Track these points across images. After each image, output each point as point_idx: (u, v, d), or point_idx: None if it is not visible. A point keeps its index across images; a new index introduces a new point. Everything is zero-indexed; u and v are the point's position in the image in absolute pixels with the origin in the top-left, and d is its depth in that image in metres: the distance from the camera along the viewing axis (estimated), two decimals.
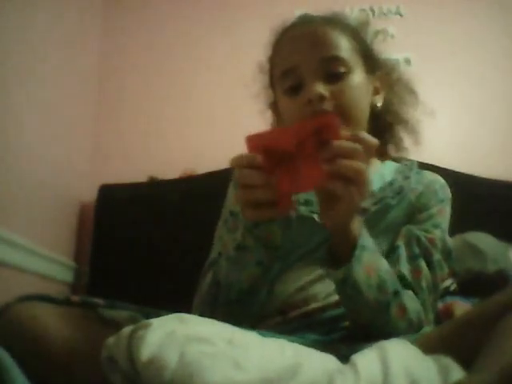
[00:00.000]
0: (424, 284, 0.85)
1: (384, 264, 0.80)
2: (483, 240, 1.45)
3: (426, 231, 0.88)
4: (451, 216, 0.94)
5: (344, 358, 0.66)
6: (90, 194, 1.90)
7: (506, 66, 1.97)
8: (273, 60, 0.99)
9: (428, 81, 1.90)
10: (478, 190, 1.70)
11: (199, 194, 1.75)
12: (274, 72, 0.98)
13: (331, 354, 0.72)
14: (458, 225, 1.45)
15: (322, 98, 0.87)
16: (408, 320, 0.81)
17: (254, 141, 0.71)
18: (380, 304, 0.78)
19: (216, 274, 0.87)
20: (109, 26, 2.14)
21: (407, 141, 1.05)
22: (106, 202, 1.88)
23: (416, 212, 0.91)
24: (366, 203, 0.88)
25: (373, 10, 2.06)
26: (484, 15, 2.02)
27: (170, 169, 1.90)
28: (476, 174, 1.76)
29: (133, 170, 1.94)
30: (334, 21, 0.96)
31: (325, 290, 0.85)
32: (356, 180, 0.67)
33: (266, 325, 0.85)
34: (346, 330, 0.83)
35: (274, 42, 0.98)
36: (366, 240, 0.77)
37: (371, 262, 0.77)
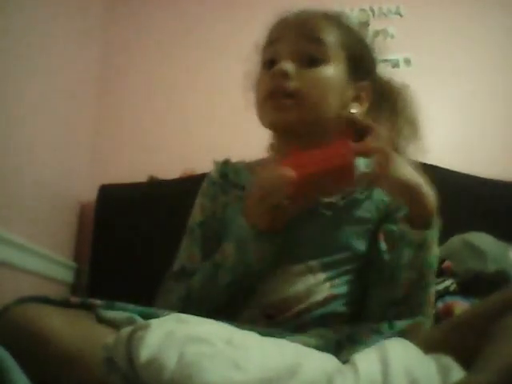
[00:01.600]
0: None
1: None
2: (483, 240, 1.45)
3: None
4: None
5: (349, 340, 0.67)
6: (89, 194, 1.90)
7: (506, 66, 1.97)
8: (264, 40, 0.98)
9: (428, 81, 1.91)
10: (478, 191, 1.70)
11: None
12: (262, 49, 0.98)
13: (334, 334, 0.73)
14: (459, 225, 1.45)
15: (284, 75, 0.87)
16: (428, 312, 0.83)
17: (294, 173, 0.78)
18: (426, 278, 0.81)
19: (189, 288, 0.87)
20: (109, 28, 2.14)
21: None
22: (106, 202, 1.87)
23: (392, 211, 0.90)
24: (335, 198, 0.89)
25: (373, 10, 2.05)
26: (484, 15, 2.01)
27: (170, 169, 1.90)
28: (476, 175, 1.75)
29: (133, 170, 1.94)
30: (332, 15, 0.96)
31: (304, 289, 0.84)
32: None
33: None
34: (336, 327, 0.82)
35: (270, 25, 0.98)
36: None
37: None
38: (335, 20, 0.95)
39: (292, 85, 0.87)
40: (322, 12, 0.95)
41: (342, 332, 0.75)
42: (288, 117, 0.88)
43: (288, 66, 0.87)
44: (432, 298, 0.85)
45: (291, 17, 0.95)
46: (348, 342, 0.71)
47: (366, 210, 0.90)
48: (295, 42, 0.90)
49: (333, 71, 0.90)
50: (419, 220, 0.79)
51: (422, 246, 0.79)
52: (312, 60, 0.89)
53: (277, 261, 0.85)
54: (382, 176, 0.79)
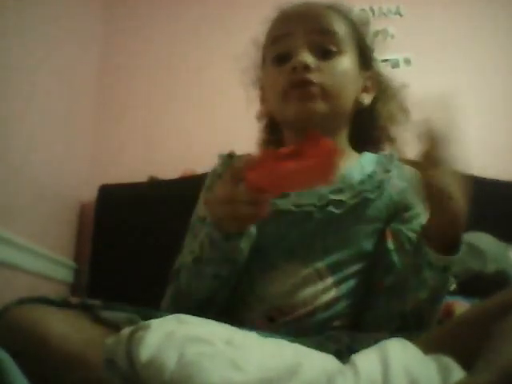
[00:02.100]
0: None
1: None
2: (483, 240, 1.45)
3: (414, 231, 0.87)
4: None
5: (348, 351, 0.66)
6: (90, 194, 1.90)
7: (506, 66, 1.97)
8: (267, 34, 0.97)
9: (428, 81, 1.91)
10: (478, 190, 1.69)
11: (199, 194, 1.75)
12: (266, 44, 0.96)
13: (333, 344, 0.72)
14: None
15: (306, 67, 0.85)
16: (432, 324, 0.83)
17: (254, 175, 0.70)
18: (439, 297, 0.81)
19: (178, 284, 0.87)
20: (109, 28, 2.14)
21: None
22: (105, 202, 1.87)
23: (400, 210, 0.89)
24: (345, 196, 0.87)
25: (373, 10, 2.05)
26: (484, 15, 2.01)
27: (170, 169, 1.90)
28: (476, 174, 1.75)
29: (133, 169, 1.94)
30: (337, 6, 0.95)
31: (311, 294, 0.83)
32: None
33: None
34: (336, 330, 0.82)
35: (271, 19, 0.97)
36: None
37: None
38: (340, 11, 0.94)
39: (315, 76, 0.85)
40: (326, 4, 0.94)
41: (341, 342, 0.74)
42: (317, 107, 0.85)
43: (308, 58, 0.86)
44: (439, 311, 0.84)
45: (296, 10, 0.93)
46: (348, 352, 0.70)
47: (375, 209, 0.88)
48: (306, 35, 0.88)
49: (348, 62, 0.89)
50: (443, 239, 0.77)
51: (444, 270, 0.77)
52: (326, 52, 0.88)
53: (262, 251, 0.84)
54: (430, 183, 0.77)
